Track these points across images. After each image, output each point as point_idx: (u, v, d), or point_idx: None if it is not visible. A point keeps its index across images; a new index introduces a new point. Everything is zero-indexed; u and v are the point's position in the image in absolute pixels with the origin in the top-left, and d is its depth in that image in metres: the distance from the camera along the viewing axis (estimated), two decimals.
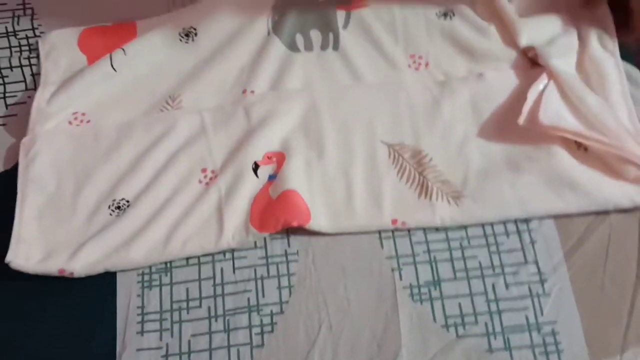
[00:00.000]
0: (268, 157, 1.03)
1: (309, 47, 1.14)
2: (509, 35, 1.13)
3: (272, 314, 0.94)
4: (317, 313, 0.93)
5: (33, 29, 1.19)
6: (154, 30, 1.16)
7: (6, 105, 1.12)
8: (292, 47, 1.14)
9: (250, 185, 1.00)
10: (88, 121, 1.09)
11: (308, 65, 1.12)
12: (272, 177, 1.01)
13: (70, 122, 1.08)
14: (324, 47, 1.14)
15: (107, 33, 1.17)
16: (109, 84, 1.11)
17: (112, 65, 1.12)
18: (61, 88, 1.11)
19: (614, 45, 1.10)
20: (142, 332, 0.93)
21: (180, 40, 1.15)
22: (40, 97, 1.10)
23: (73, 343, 0.93)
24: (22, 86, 1.14)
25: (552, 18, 1.14)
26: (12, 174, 1.03)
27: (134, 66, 1.13)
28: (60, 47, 1.15)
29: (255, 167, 1.02)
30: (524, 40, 1.11)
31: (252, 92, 1.10)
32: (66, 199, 1.01)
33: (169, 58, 1.14)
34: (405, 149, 1.03)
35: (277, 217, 0.97)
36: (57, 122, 1.08)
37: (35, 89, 1.11)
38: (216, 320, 0.94)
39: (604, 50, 1.10)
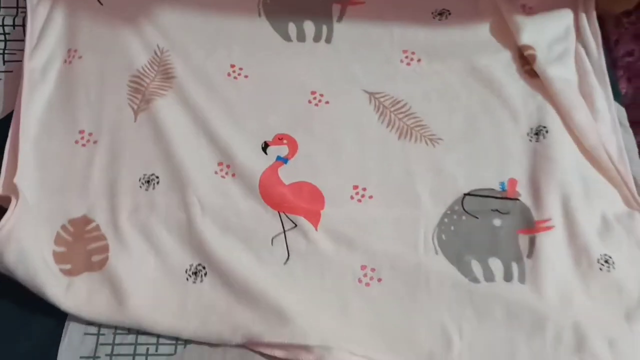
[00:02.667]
0: (279, 138, 1.07)
1: (301, 38, 1.18)
2: (504, 35, 1.17)
3: None
4: None
5: (18, 7, 1.22)
6: None
7: (4, 62, 1.15)
8: (285, 35, 1.18)
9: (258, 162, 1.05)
10: (80, 57, 1.14)
11: (299, 57, 1.16)
12: (280, 159, 1.06)
13: (65, 61, 1.14)
14: (316, 39, 1.18)
15: None
16: (95, 19, 1.17)
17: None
18: (50, 21, 1.17)
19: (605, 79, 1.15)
20: None
21: None
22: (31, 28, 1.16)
23: None
24: (22, 45, 1.16)
25: (556, 18, 1.18)
26: (4, 122, 1.08)
27: (121, 5, 1.18)
28: None
29: (265, 147, 1.06)
30: (524, 38, 1.14)
31: (241, 68, 1.14)
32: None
33: (158, 4, 1.19)
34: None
35: (292, 201, 1.02)
36: (51, 56, 1.14)
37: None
38: None
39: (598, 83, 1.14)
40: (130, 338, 0.94)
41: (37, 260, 0.94)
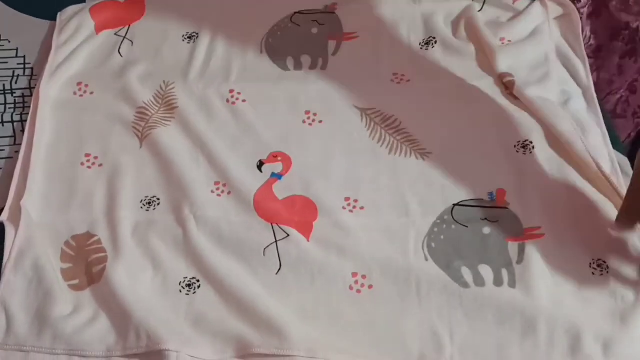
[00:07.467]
0: (274, 156, 1.11)
1: (298, 67, 1.25)
2: (487, 62, 1.22)
3: None
4: None
5: (30, 88, 1.27)
6: (161, 24, 1.33)
7: None
8: (283, 67, 1.25)
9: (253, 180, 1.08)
10: (92, 92, 1.22)
11: (295, 81, 1.22)
12: (275, 175, 1.09)
13: (75, 93, 1.22)
14: (312, 67, 1.25)
15: (118, 7, 1.36)
16: (113, 64, 1.26)
17: (119, 52, 1.28)
18: (70, 57, 1.27)
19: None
20: None
21: (183, 41, 1.30)
22: (53, 60, 1.26)
23: None
24: (11, 141, 1.19)
25: (534, 45, 1.24)
26: None
27: (138, 55, 1.28)
28: (73, 14, 1.34)
29: (260, 165, 1.10)
30: (502, 67, 1.19)
31: (239, 93, 1.20)
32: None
33: (170, 52, 1.28)
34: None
35: (285, 215, 1.04)
36: (64, 86, 1.23)
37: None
38: None
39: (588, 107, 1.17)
40: None
41: (51, 275, 0.98)
